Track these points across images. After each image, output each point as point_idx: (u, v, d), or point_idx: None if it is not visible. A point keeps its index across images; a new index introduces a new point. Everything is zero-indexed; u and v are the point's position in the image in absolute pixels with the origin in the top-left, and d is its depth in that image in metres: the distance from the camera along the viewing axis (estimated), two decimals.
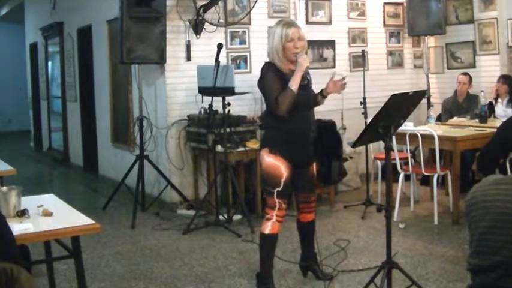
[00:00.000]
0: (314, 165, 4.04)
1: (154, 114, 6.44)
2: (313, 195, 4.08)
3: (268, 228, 3.81)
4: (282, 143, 3.79)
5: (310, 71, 6.81)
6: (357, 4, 7.40)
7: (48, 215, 2.96)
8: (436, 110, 6.97)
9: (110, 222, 5.81)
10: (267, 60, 3.87)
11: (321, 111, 6.23)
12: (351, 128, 6.82)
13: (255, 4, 6.39)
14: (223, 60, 5.93)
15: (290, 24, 3.81)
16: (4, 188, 3.00)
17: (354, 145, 3.67)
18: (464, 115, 6.63)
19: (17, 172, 4.48)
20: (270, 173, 3.82)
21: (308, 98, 3.84)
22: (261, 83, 3.84)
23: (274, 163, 3.79)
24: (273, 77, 3.75)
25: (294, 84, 3.69)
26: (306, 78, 3.83)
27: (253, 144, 5.77)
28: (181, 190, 6.23)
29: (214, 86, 5.29)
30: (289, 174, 3.80)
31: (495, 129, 4.78)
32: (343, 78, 3.92)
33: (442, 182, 6.22)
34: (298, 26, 3.87)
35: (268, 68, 3.81)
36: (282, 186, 3.77)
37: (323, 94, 3.95)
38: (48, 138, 11.03)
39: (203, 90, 5.80)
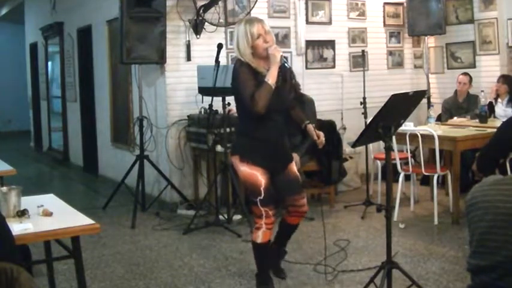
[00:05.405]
0: (294, 165, 3.89)
1: (154, 114, 6.44)
2: (301, 197, 3.88)
3: (259, 237, 3.74)
4: (252, 150, 3.68)
5: (310, 71, 6.76)
6: (357, 4, 7.40)
7: (48, 215, 2.96)
8: (436, 110, 6.97)
9: (110, 222, 5.81)
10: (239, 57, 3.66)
11: (321, 111, 6.26)
12: (351, 128, 6.83)
13: (255, 4, 6.38)
14: (223, 60, 5.92)
15: (252, 21, 3.61)
16: (4, 188, 3.00)
17: (354, 145, 3.65)
18: (464, 115, 6.64)
19: (17, 172, 4.47)
20: (248, 183, 3.72)
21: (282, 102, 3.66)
22: (234, 81, 3.63)
23: (249, 172, 3.67)
24: (247, 75, 3.56)
25: (271, 78, 3.49)
26: (282, 76, 3.61)
27: None
28: (181, 190, 6.23)
29: (214, 86, 5.29)
30: (267, 181, 3.68)
31: (495, 129, 4.79)
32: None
33: (442, 182, 6.22)
34: (261, 19, 3.66)
35: (241, 65, 3.60)
36: (263, 194, 3.65)
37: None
38: (48, 138, 11.03)
39: (203, 90, 5.79)
